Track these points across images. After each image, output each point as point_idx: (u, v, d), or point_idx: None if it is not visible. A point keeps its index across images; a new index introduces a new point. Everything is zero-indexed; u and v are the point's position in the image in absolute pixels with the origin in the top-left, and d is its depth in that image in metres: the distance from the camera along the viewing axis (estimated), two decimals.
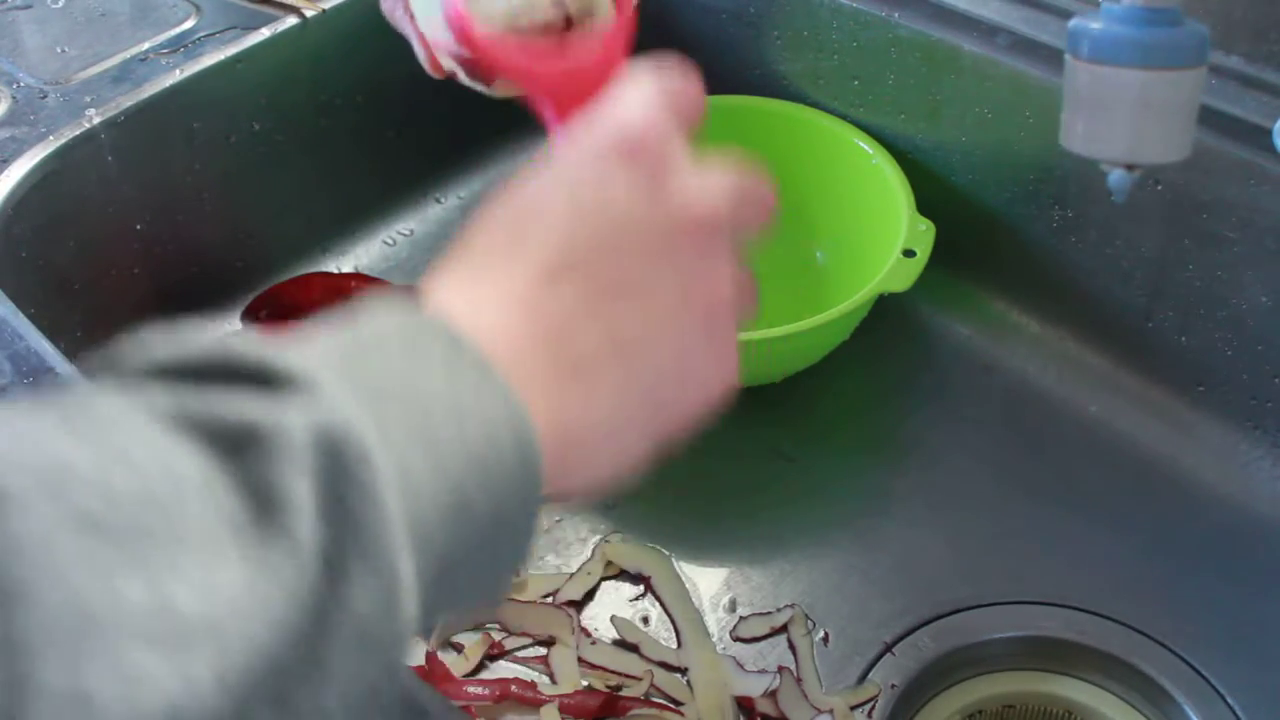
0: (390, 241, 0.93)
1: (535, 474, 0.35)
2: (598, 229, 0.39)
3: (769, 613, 0.69)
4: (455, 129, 0.96)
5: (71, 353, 0.65)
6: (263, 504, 0.28)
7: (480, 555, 0.34)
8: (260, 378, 0.30)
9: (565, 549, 0.73)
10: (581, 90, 0.46)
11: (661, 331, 0.39)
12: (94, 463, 0.27)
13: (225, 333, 0.31)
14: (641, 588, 0.71)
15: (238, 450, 0.28)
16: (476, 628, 0.68)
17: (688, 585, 0.70)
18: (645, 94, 0.42)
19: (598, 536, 0.73)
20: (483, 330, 0.35)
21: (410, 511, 0.31)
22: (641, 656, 0.67)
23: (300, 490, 0.28)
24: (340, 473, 0.29)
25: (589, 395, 0.37)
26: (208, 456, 0.28)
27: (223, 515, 0.27)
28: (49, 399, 0.29)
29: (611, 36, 0.49)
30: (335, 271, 0.90)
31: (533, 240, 0.39)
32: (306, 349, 0.33)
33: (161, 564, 0.26)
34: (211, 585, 0.26)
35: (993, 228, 0.82)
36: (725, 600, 0.70)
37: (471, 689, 0.65)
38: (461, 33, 0.49)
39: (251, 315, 0.84)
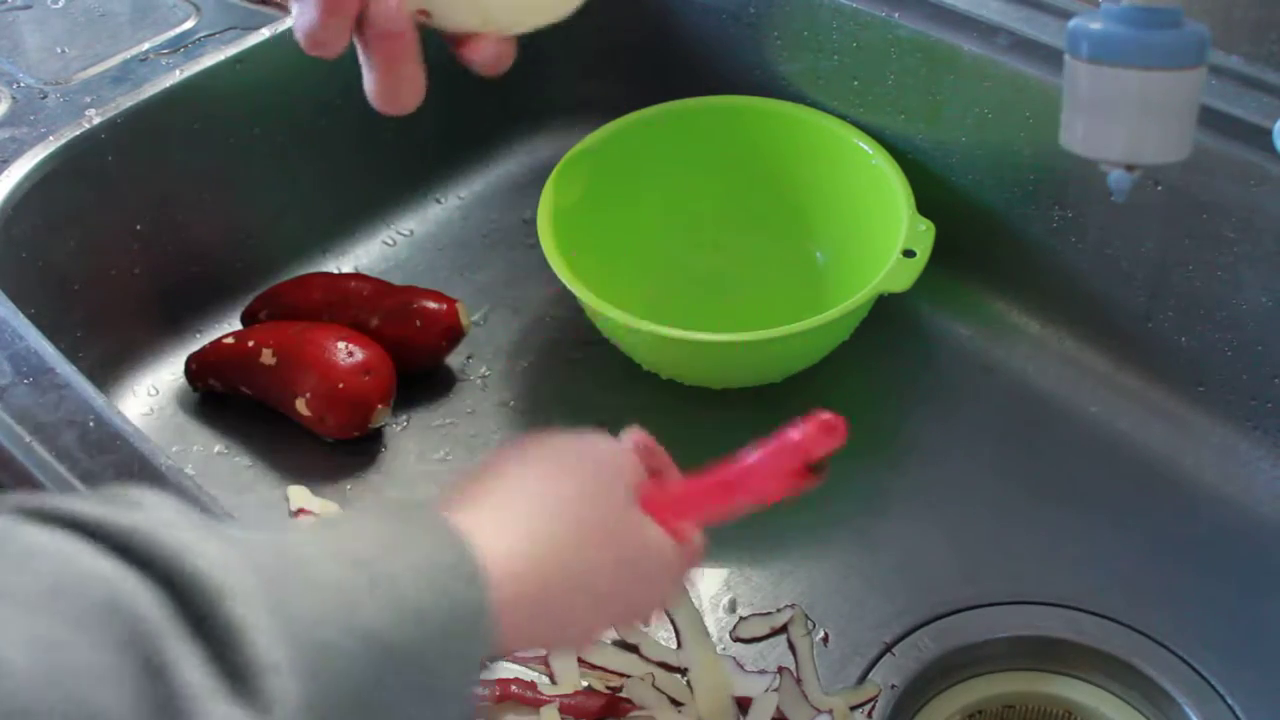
0: (390, 241, 0.93)
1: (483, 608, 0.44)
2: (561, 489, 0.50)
3: (769, 613, 0.69)
4: (455, 129, 0.96)
5: (71, 353, 0.65)
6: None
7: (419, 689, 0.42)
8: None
9: None
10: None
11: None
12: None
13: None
14: None
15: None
16: None
17: (687, 585, 0.70)
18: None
19: None
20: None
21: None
22: (641, 657, 0.67)
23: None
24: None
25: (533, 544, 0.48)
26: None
27: None
28: None
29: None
30: (335, 271, 0.90)
31: (512, 474, 0.50)
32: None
33: None
34: None
35: (993, 228, 0.82)
36: (725, 600, 0.70)
37: None
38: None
39: (251, 315, 0.84)
